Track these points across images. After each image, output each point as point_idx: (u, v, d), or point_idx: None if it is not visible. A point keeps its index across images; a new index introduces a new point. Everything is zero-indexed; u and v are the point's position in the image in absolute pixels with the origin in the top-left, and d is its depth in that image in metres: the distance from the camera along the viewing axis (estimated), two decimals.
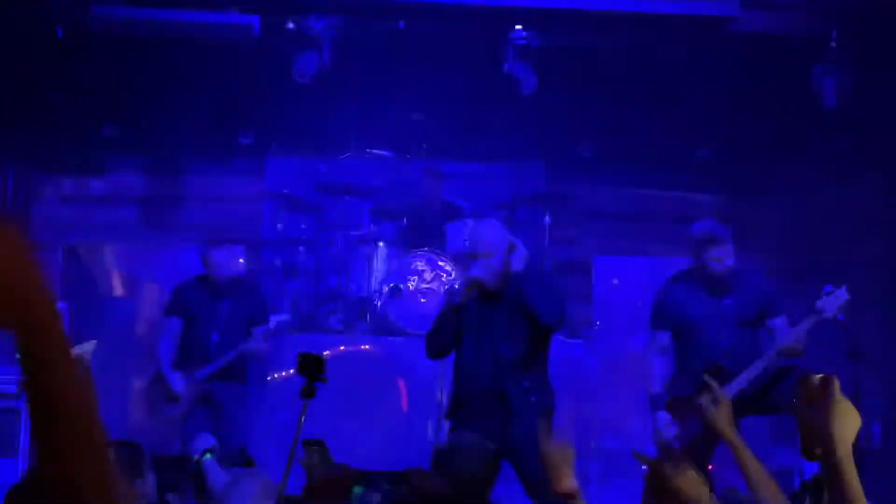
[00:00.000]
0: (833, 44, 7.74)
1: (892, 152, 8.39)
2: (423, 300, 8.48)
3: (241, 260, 8.71)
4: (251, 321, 7.32)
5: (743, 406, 5.80)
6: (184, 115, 9.33)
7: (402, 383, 8.21)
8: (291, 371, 8.17)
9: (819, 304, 5.72)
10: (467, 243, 5.72)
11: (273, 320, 9.07)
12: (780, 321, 5.97)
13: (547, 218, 9.45)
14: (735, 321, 5.99)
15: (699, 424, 5.78)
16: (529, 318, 5.38)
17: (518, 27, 8.13)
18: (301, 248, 9.56)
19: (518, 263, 5.42)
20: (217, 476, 5.78)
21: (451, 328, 5.41)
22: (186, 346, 7.36)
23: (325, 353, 8.12)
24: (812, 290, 5.98)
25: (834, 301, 5.70)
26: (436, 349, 5.54)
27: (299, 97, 8.71)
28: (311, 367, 3.01)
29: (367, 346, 8.33)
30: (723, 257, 5.94)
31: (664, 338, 6.18)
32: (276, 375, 8.20)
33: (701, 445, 5.80)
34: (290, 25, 8.06)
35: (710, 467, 6.24)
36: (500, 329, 5.36)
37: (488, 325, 5.38)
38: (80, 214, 9.42)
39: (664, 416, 5.93)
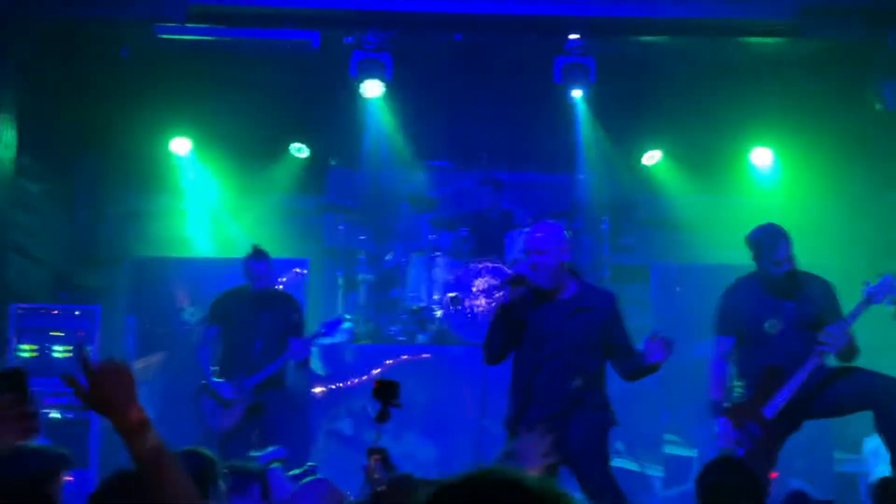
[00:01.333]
0: (891, 45, 7.66)
1: None
2: (482, 309, 8.52)
3: (304, 271, 8.85)
4: (290, 331, 7.39)
5: (803, 409, 5.79)
6: (246, 130, 9.50)
7: (464, 391, 8.25)
8: (355, 380, 8.30)
9: (869, 290, 5.68)
10: (524, 243, 5.71)
11: (335, 330, 9.25)
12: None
13: (605, 225, 9.44)
14: (796, 323, 5.95)
15: (759, 429, 5.78)
16: (605, 336, 5.42)
17: (574, 36, 8.16)
18: (361, 259, 9.65)
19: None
20: (283, 485, 5.89)
21: (505, 331, 5.37)
22: (230, 354, 7.44)
23: (387, 361, 8.32)
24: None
25: (884, 287, 5.67)
26: (493, 355, 5.48)
27: (359, 109, 8.83)
28: (387, 392, 3.07)
29: (426, 355, 8.39)
30: (783, 261, 5.91)
31: (728, 343, 6.16)
32: (339, 384, 8.31)
33: (763, 450, 5.79)
34: (349, 39, 8.16)
35: (773, 475, 6.21)
36: (579, 340, 5.34)
37: (564, 333, 5.36)
38: (146, 229, 9.63)
39: (721, 423, 5.93)
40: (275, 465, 6.14)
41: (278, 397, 7.41)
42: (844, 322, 5.72)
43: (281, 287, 8.13)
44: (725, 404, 5.99)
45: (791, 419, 5.92)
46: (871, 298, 5.74)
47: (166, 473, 2.51)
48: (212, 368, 7.43)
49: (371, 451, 3.89)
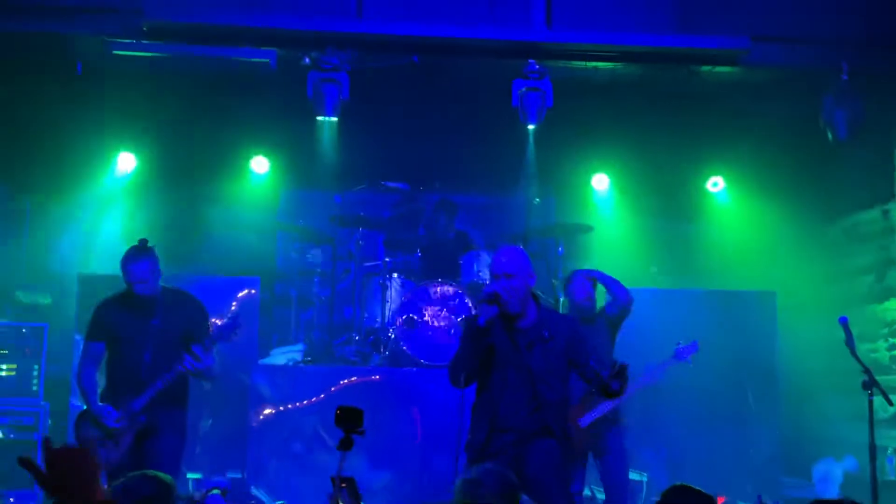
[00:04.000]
0: (844, 76, 7.80)
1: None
2: (437, 331, 8.51)
3: (253, 291, 8.74)
4: (187, 337, 6.16)
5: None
6: (199, 148, 9.44)
7: (416, 414, 8.22)
8: (304, 402, 8.23)
9: (677, 349, 7.20)
10: (489, 266, 5.70)
11: (285, 352, 9.18)
12: None
13: (560, 249, 9.48)
14: None
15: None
16: (568, 363, 5.43)
17: (530, 61, 8.21)
18: (315, 280, 9.61)
19: None
20: None
21: (475, 354, 5.32)
22: (115, 372, 6.26)
23: (341, 381, 8.25)
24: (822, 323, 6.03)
25: (690, 349, 7.15)
26: (459, 377, 5.35)
27: (315, 130, 8.80)
28: (349, 420, 3.02)
29: (382, 378, 8.34)
30: None
31: None
32: (288, 406, 8.23)
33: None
34: (307, 60, 8.14)
35: (720, 500, 6.33)
36: (540, 372, 5.32)
37: (525, 364, 5.33)
38: (95, 245, 9.49)
39: None
40: (214, 492, 6.00)
41: (175, 418, 6.25)
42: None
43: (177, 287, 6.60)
44: None
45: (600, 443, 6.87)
46: (677, 356, 7.18)
47: None
48: (98, 390, 6.26)
49: (337, 480, 3.83)
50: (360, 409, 3.10)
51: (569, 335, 5.41)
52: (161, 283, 6.28)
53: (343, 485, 3.78)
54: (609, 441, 6.89)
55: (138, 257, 6.18)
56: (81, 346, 6.47)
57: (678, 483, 3.96)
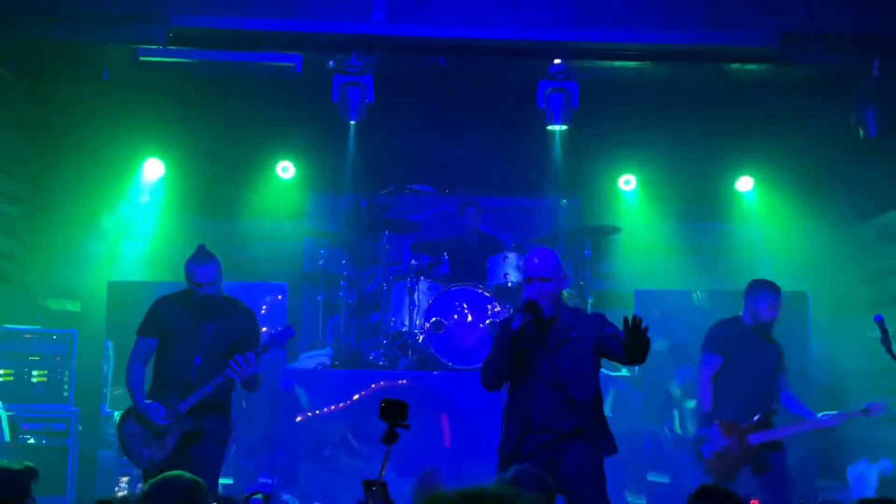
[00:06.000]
0: (875, 73, 7.70)
1: None
2: (465, 334, 8.47)
3: (280, 297, 8.74)
4: (241, 346, 6.15)
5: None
6: (226, 153, 9.45)
7: (444, 418, 8.19)
8: (333, 407, 8.22)
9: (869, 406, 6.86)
10: (523, 269, 5.65)
11: (314, 357, 9.17)
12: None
13: (588, 251, 9.42)
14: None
15: (739, 448, 6.52)
16: (598, 360, 5.38)
17: (557, 61, 8.16)
18: (342, 284, 9.60)
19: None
20: None
21: (509, 358, 5.26)
22: (164, 372, 6.26)
23: (373, 386, 8.22)
24: (855, 323, 5.96)
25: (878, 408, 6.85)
26: (492, 380, 5.33)
27: (340, 133, 8.80)
28: (394, 413, 2.98)
29: (411, 382, 8.30)
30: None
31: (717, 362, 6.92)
32: (317, 411, 8.22)
33: (725, 468, 6.50)
34: (331, 63, 8.13)
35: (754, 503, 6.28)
36: (570, 372, 5.29)
37: (555, 365, 5.29)
38: (124, 252, 9.53)
39: (713, 430, 6.68)
40: (257, 496, 5.99)
41: (219, 426, 6.25)
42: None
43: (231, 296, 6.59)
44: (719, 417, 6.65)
45: (762, 461, 6.58)
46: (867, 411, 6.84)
47: None
48: (144, 388, 6.29)
49: (368, 484, 3.78)
50: (405, 402, 3.06)
51: (596, 331, 5.34)
52: (222, 289, 6.32)
53: (374, 488, 3.73)
54: (772, 460, 6.74)
55: (206, 260, 6.22)
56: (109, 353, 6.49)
57: (705, 484, 3.92)
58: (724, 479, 6.34)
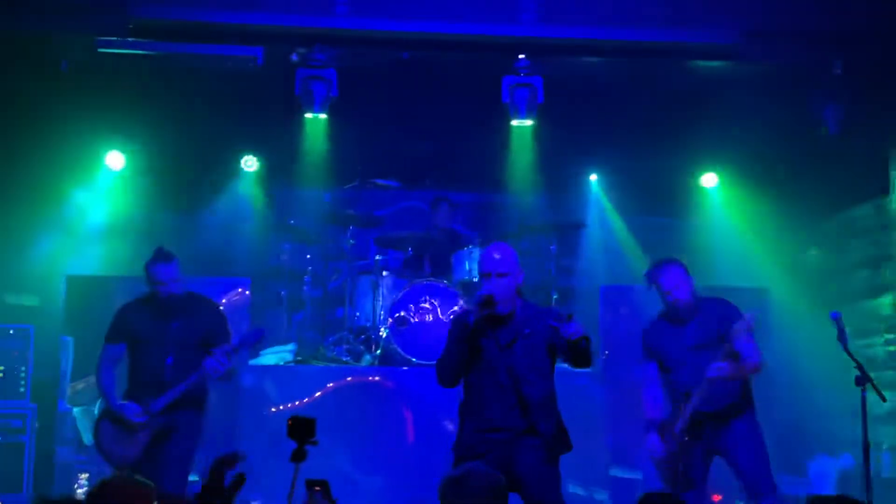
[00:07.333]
0: (837, 70, 7.75)
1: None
2: (429, 330, 8.45)
3: (245, 291, 8.67)
4: (206, 340, 6.34)
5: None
6: (188, 146, 9.36)
7: (408, 413, 8.17)
8: (296, 402, 8.17)
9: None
10: (479, 264, 5.62)
11: (276, 352, 9.10)
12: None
13: (553, 246, 9.42)
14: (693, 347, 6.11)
15: (673, 443, 6.06)
16: (551, 356, 5.35)
17: (521, 56, 8.15)
18: (306, 279, 9.53)
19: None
20: None
21: (464, 353, 5.24)
22: (138, 374, 6.42)
23: (329, 385, 8.18)
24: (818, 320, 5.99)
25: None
26: (448, 376, 5.32)
27: (304, 127, 8.74)
28: (301, 431, 2.92)
29: (375, 378, 8.28)
30: (669, 291, 6.14)
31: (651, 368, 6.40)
32: (280, 406, 8.17)
33: (674, 464, 6.06)
34: (294, 57, 8.07)
35: (716, 497, 6.26)
36: (521, 369, 5.25)
37: (507, 362, 5.25)
38: (80, 245, 9.41)
39: (651, 438, 6.19)
40: None
41: (192, 419, 6.38)
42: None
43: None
44: (655, 422, 6.24)
45: (699, 439, 6.07)
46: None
47: None
48: (116, 391, 6.44)
49: (311, 483, 3.76)
50: (313, 419, 2.99)
51: (547, 326, 5.22)
52: (185, 287, 6.47)
53: (317, 488, 3.71)
54: (714, 437, 6.14)
55: (165, 259, 6.40)
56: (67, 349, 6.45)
57: (648, 492, 3.95)
58: (685, 477, 6.17)
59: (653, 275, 6.26)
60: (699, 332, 6.10)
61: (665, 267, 6.23)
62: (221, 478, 4.07)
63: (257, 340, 6.56)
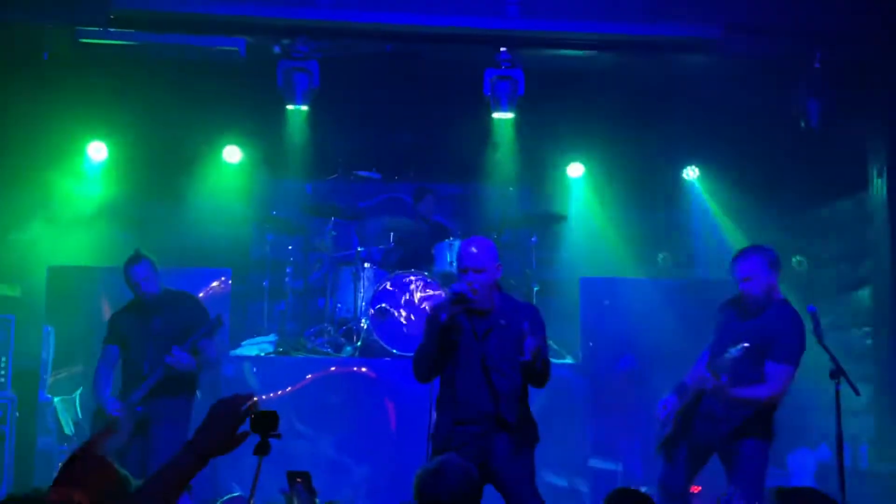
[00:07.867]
0: (817, 65, 7.80)
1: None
2: (410, 321, 8.47)
3: (227, 281, 8.67)
4: (188, 334, 6.65)
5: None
6: (170, 137, 9.34)
7: (390, 404, 8.19)
8: (277, 393, 8.19)
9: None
10: (456, 259, 5.60)
11: (257, 343, 9.11)
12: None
13: (534, 238, 9.45)
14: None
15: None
16: (520, 353, 5.30)
17: (502, 49, 8.17)
18: (288, 270, 9.54)
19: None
20: None
21: (439, 348, 5.23)
22: (127, 372, 6.83)
23: (308, 376, 8.20)
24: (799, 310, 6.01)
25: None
26: (423, 371, 5.32)
27: (287, 119, 8.73)
28: (264, 424, 2.94)
29: (357, 368, 8.30)
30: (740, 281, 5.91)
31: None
32: (264, 396, 8.18)
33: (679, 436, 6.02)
34: (277, 48, 8.07)
35: (695, 489, 6.30)
36: (493, 360, 5.26)
37: (482, 353, 5.26)
38: (66, 237, 9.38)
39: (671, 397, 6.06)
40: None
41: (165, 407, 6.67)
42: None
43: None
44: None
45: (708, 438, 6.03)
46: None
47: None
48: (110, 390, 6.81)
49: (292, 475, 3.77)
50: (275, 412, 3.01)
51: (525, 324, 5.17)
52: (161, 285, 6.85)
53: (298, 480, 3.73)
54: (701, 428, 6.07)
55: (138, 260, 6.78)
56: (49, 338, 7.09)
57: (621, 487, 3.99)
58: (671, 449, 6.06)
59: (733, 260, 5.98)
60: (753, 336, 5.72)
61: (743, 253, 5.96)
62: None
63: (209, 330, 6.72)
